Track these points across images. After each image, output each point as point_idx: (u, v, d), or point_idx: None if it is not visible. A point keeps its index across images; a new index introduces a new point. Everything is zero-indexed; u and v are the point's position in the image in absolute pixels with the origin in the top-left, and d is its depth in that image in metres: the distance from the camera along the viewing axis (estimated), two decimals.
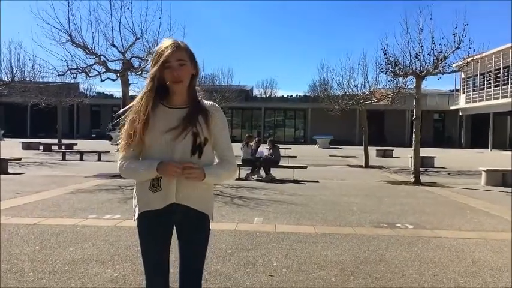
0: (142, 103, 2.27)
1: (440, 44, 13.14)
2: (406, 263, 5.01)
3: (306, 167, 14.52)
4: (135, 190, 2.42)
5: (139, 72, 14.80)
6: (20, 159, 16.73)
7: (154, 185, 2.29)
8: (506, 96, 33.64)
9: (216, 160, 2.43)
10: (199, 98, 2.40)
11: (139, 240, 2.42)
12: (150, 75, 2.28)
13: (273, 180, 13.11)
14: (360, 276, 4.52)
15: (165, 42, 2.30)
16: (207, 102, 2.41)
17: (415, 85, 14.39)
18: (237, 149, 14.77)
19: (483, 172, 13.53)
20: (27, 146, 26.90)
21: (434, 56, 13.34)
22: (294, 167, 14.16)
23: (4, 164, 13.96)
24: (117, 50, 14.34)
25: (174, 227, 2.40)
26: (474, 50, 13.31)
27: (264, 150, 14.55)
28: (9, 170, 14.00)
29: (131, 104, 2.37)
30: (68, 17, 13.90)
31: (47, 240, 5.60)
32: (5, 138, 36.13)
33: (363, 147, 20.01)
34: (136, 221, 2.39)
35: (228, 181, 12.10)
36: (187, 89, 2.34)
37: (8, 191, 9.63)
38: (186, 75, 2.29)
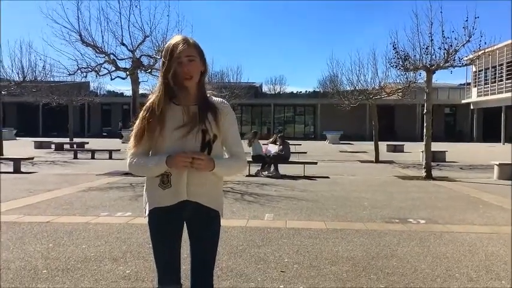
0: (156, 102, 2.29)
1: (450, 38, 13.03)
2: (418, 258, 4.99)
3: (316, 163, 14.49)
4: (145, 187, 2.43)
5: (149, 70, 14.86)
6: (32, 158, 16.89)
7: (164, 181, 2.30)
8: None
9: (226, 156, 2.43)
10: (208, 95, 2.40)
11: (151, 237, 2.43)
12: (162, 75, 2.29)
13: (283, 176, 13.09)
14: (372, 271, 4.51)
15: (175, 39, 2.31)
16: (215, 99, 2.41)
17: (425, 79, 14.27)
18: (245, 146, 14.83)
19: (495, 166, 13.40)
20: (39, 145, 27.15)
21: (445, 49, 13.23)
22: (304, 163, 14.13)
23: (17, 163, 14.12)
24: (127, 48, 14.42)
25: (185, 224, 2.42)
26: (485, 43, 13.19)
27: (271, 147, 14.49)
28: (22, 169, 14.15)
29: (147, 102, 2.38)
30: (78, 17, 14.01)
31: (60, 238, 5.66)
32: (17, 138, 36.51)
33: (373, 143, 19.91)
34: (147, 218, 2.40)
35: (238, 177, 12.13)
36: (196, 86, 2.34)
37: (21, 190, 9.74)
38: (195, 71, 2.30)
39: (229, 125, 2.40)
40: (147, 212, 2.40)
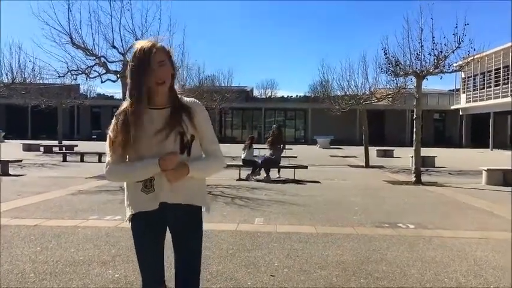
0: (130, 108, 2.27)
1: (440, 44, 13.14)
2: (407, 262, 5.01)
3: (306, 167, 14.51)
4: (126, 193, 2.41)
5: None
6: (21, 161, 16.73)
7: (147, 186, 2.30)
8: (506, 96, 33.55)
9: (203, 155, 2.43)
10: (179, 96, 2.40)
11: (134, 242, 2.42)
12: (134, 80, 2.25)
13: (273, 180, 13.09)
14: (362, 276, 4.52)
15: (141, 44, 2.28)
16: (187, 99, 2.41)
17: (415, 85, 14.37)
18: (238, 150, 14.80)
19: (484, 171, 13.51)
20: (28, 148, 26.89)
21: (435, 55, 13.32)
22: (294, 167, 14.15)
23: (5, 165, 13.97)
24: (118, 51, 14.33)
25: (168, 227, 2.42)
26: (474, 50, 13.30)
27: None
28: (11, 172, 14.00)
29: (120, 110, 2.35)
30: (68, 18, 13.88)
31: (48, 242, 5.60)
32: (5, 140, 36.14)
33: (363, 147, 20.00)
34: (130, 223, 2.40)
35: (228, 181, 12.11)
36: (168, 89, 2.33)
37: (9, 193, 9.63)
38: (167, 75, 2.30)
39: (204, 123, 2.40)
40: (128, 216, 2.40)
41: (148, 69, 2.22)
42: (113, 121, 2.33)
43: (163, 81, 2.27)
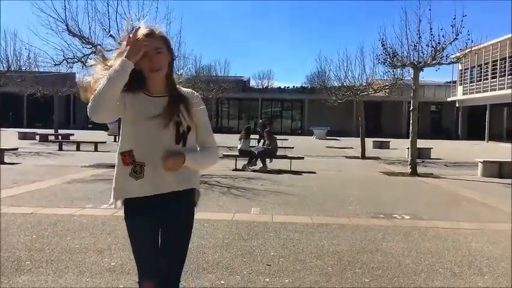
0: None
1: (438, 35, 13.12)
2: (402, 253, 5.04)
3: (302, 158, 14.52)
4: (114, 174, 2.35)
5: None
6: (16, 149, 16.67)
7: (137, 171, 2.25)
8: (503, 88, 33.66)
9: (198, 148, 2.40)
10: (177, 86, 2.37)
11: (128, 232, 2.38)
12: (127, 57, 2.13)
13: (269, 171, 13.10)
14: (357, 266, 4.54)
15: (140, 30, 2.23)
16: (184, 90, 2.39)
17: (412, 76, 14.37)
18: (235, 141, 14.81)
19: (480, 163, 13.57)
20: (23, 136, 26.80)
21: (432, 47, 13.32)
22: (291, 158, 14.16)
23: (1, 153, 13.91)
24: (114, 39, 14.23)
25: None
26: (472, 42, 13.31)
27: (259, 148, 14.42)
28: (6, 160, 13.95)
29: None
30: (65, 6, 13.78)
31: (44, 230, 5.60)
32: (1, 129, 35.97)
33: (359, 139, 20.02)
34: (123, 210, 2.35)
35: (225, 171, 12.12)
36: (165, 77, 2.30)
37: (5, 181, 9.60)
38: (164, 63, 2.26)
39: (201, 115, 2.38)
40: (112, 199, 2.36)
41: (143, 53, 2.16)
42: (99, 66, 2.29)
43: (159, 68, 2.24)
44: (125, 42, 2.20)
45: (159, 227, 2.36)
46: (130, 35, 2.14)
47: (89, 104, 2.13)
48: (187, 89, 2.41)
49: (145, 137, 2.24)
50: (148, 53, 2.20)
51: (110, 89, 2.09)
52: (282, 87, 60.35)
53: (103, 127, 34.47)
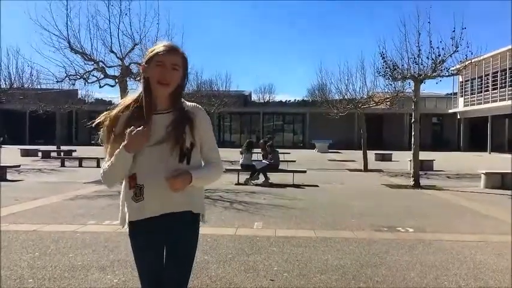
0: (146, 124, 2.19)
1: (438, 48, 13.18)
2: (407, 266, 5.00)
3: (305, 171, 14.50)
4: (121, 198, 2.37)
5: (138, 78, 14.75)
6: (18, 166, 16.69)
7: (137, 194, 2.23)
8: (504, 99, 33.71)
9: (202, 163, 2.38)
10: (182, 100, 2.34)
11: (132, 250, 2.37)
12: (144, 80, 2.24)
13: (272, 185, 13.07)
14: (361, 280, 4.50)
15: (163, 43, 2.27)
16: (188, 104, 2.35)
17: (413, 89, 14.40)
18: (237, 155, 14.82)
19: (482, 175, 13.53)
20: (25, 153, 26.85)
21: (432, 59, 13.37)
22: (293, 171, 14.14)
23: (3, 170, 13.93)
24: (116, 56, 14.34)
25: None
26: (472, 53, 13.35)
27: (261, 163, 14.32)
28: (8, 177, 13.97)
29: (124, 102, 2.31)
30: (67, 23, 13.90)
31: (46, 247, 5.58)
32: (3, 145, 36.06)
33: (361, 151, 20.01)
34: (127, 230, 2.35)
35: (227, 186, 12.09)
36: (171, 94, 2.27)
37: (7, 198, 9.59)
38: (174, 80, 2.24)
39: (205, 130, 2.34)
40: (119, 220, 2.37)
41: (157, 62, 2.20)
42: (114, 112, 2.28)
43: (167, 83, 2.21)
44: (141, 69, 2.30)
45: (163, 246, 2.34)
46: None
47: (102, 176, 2.29)
48: (192, 104, 2.36)
49: (149, 159, 2.22)
50: (165, 64, 2.20)
51: (115, 172, 2.25)
52: (284, 100, 60.52)
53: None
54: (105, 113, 2.32)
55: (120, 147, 2.16)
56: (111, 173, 2.24)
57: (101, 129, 2.30)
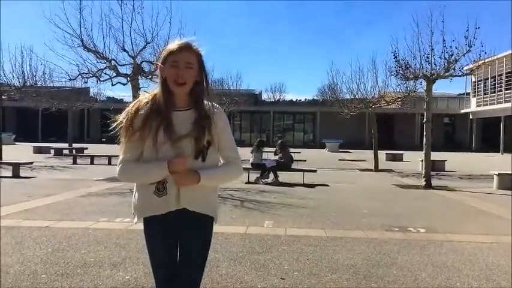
0: (165, 119, 2.24)
1: (451, 47, 13.07)
2: (418, 266, 4.98)
3: (315, 171, 14.46)
4: (136, 195, 2.38)
5: (150, 76, 14.86)
6: (31, 163, 16.85)
7: (160, 189, 2.25)
8: None
9: (221, 162, 2.39)
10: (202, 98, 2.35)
11: (146, 245, 2.40)
12: (164, 87, 2.27)
13: (282, 184, 13.06)
14: (372, 280, 4.49)
15: (176, 42, 2.29)
16: (206, 103, 2.35)
17: (425, 88, 14.29)
18: (247, 153, 14.82)
19: (495, 176, 13.40)
20: (38, 150, 27.12)
21: (445, 59, 13.26)
22: (303, 171, 14.11)
23: (16, 167, 14.09)
24: (128, 54, 14.44)
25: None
26: (485, 53, 13.20)
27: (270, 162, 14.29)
28: (21, 174, 14.11)
29: (142, 99, 2.34)
30: (80, 22, 14.03)
31: (59, 243, 5.64)
32: (16, 143, 36.45)
33: (372, 151, 19.92)
34: (143, 226, 2.37)
35: (238, 184, 12.11)
36: (189, 92, 2.30)
37: (20, 194, 9.71)
38: (190, 78, 2.25)
39: (222, 129, 2.36)
40: (136, 219, 2.39)
41: (172, 63, 2.23)
42: (132, 109, 2.29)
43: (184, 82, 2.24)
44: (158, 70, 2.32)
45: (178, 241, 2.37)
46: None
47: (119, 169, 2.31)
48: (209, 102, 2.36)
49: (164, 154, 2.23)
50: (178, 64, 2.23)
51: (142, 181, 2.32)
52: (294, 99, 60.42)
53: (117, 141, 34.68)
54: (125, 110, 2.34)
55: (163, 165, 2.18)
56: (139, 178, 2.32)
57: (118, 126, 2.32)
